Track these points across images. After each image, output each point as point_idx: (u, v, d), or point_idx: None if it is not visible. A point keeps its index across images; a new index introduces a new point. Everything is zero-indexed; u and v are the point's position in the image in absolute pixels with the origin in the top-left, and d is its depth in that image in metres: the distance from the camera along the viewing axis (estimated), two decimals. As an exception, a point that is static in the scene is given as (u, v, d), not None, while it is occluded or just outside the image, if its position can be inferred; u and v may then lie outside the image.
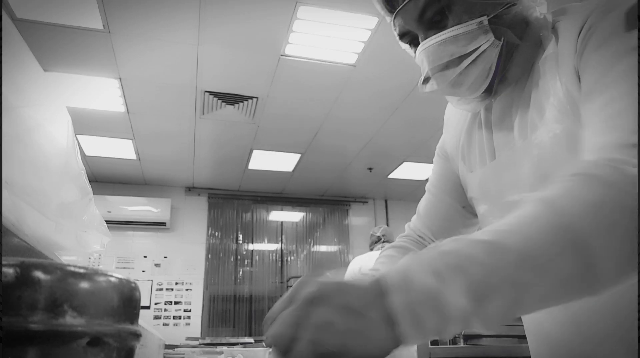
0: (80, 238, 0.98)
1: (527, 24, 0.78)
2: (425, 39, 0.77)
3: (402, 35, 0.83)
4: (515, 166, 0.79)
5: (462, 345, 1.73)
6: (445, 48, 0.75)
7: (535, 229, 0.48)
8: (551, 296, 0.48)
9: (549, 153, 0.73)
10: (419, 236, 1.05)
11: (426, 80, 0.82)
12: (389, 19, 0.84)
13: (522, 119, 0.78)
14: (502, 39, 0.75)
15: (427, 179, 1.14)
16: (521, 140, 0.78)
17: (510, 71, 0.80)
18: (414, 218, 1.10)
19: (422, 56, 0.79)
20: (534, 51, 0.78)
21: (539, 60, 0.76)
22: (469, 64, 0.75)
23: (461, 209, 1.00)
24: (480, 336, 1.69)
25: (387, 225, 7.52)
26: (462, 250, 0.47)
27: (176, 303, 6.31)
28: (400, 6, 0.77)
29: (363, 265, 3.50)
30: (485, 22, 0.73)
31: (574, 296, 0.49)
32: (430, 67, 0.78)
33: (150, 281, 6.30)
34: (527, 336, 0.91)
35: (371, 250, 3.97)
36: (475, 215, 0.98)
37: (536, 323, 0.87)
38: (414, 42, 0.82)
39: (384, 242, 3.78)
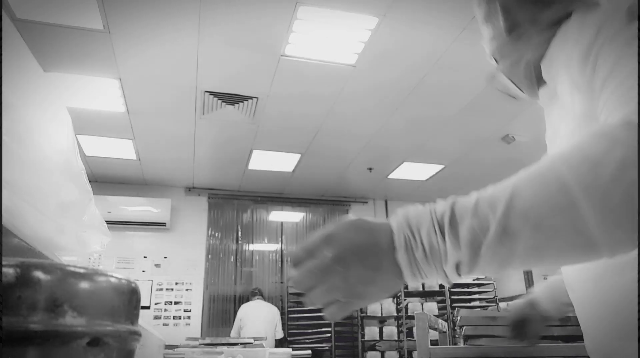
0: (80, 238, 0.98)
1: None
2: None
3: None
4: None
5: (462, 345, 1.74)
6: None
7: (538, 182, 0.50)
8: (545, 251, 0.50)
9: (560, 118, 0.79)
10: None
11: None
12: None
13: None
14: None
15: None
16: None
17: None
18: None
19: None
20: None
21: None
22: None
23: None
24: (480, 336, 1.69)
25: (387, 225, 7.52)
26: (464, 202, 0.53)
27: (176, 303, 6.31)
28: None
29: (249, 311, 5.51)
30: None
31: (571, 253, 0.50)
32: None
33: (150, 282, 6.30)
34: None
35: (252, 299, 5.74)
36: None
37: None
38: None
39: (259, 295, 5.76)
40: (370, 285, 0.54)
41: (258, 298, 5.74)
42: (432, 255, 0.52)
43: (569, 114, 0.75)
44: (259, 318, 5.46)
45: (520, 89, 0.92)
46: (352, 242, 0.55)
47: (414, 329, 1.93)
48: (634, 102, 0.57)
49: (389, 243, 0.54)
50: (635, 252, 0.48)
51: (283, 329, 6.13)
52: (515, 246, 0.49)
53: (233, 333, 5.47)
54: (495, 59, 0.94)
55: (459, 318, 1.75)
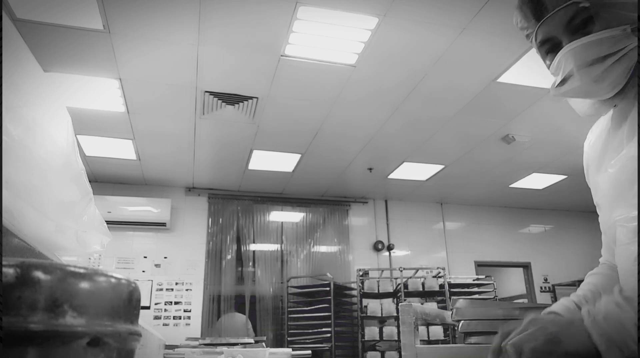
0: (80, 238, 0.98)
1: None
2: (570, 42, 0.88)
3: (544, 42, 0.94)
4: (610, 178, 0.93)
5: (461, 344, 1.71)
6: (591, 48, 0.85)
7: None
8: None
9: (619, 178, 0.87)
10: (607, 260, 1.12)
11: (563, 81, 0.91)
12: (528, 31, 0.94)
13: (618, 136, 0.91)
14: None
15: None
16: (616, 154, 0.91)
17: (628, 85, 0.89)
18: None
19: (567, 56, 0.88)
20: None
21: None
22: (614, 62, 0.85)
23: None
24: (481, 333, 1.67)
25: (387, 225, 7.52)
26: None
27: (176, 303, 6.31)
28: (550, 13, 0.89)
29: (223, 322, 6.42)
30: (629, 30, 0.84)
31: None
32: (576, 64, 0.87)
33: (151, 282, 6.30)
34: None
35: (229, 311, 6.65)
36: None
37: None
38: (553, 49, 0.92)
39: (234, 309, 6.67)
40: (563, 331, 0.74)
41: (233, 310, 6.65)
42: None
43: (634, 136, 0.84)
44: (234, 325, 6.49)
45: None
46: (544, 317, 0.81)
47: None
48: None
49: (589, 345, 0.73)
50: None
51: (283, 330, 6.18)
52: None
53: None
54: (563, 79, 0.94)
55: (454, 310, 1.48)
